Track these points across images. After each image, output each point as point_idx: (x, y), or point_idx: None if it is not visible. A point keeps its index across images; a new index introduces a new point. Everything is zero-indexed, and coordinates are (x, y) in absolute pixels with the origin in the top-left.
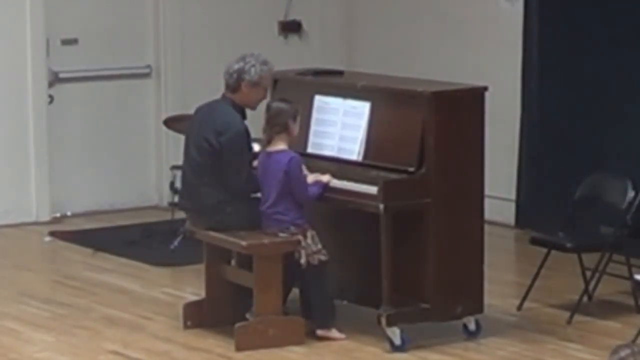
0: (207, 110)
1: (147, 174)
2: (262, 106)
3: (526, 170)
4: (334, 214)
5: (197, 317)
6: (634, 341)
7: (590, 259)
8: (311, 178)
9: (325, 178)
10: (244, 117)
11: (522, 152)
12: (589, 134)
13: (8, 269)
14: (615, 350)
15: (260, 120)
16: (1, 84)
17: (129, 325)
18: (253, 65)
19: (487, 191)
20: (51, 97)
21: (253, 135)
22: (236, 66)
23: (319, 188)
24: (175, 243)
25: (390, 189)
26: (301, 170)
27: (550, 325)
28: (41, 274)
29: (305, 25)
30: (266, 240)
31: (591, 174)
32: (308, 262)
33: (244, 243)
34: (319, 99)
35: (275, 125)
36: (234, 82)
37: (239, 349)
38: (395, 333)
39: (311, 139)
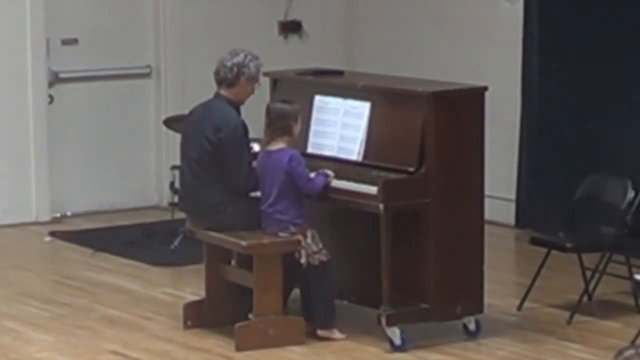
0: (203, 110)
1: (147, 174)
2: (262, 106)
3: (526, 170)
4: (334, 214)
5: (197, 317)
6: (633, 341)
7: (590, 259)
8: (313, 174)
9: (329, 172)
10: (238, 113)
11: (522, 152)
12: (588, 134)
13: (8, 269)
14: (620, 352)
15: (260, 120)
16: (1, 84)
17: (129, 325)
18: (251, 60)
19: (487, 191)
20: (51, 97)
21: (252, 134)
22: (235, 60)
23: (324, 177)
24: (175, 243)
25: (390, 189)
26: (302, 165)
27: (550, 325)
28: (41, 274)
29: (305, 25)
30: (266, 240)
31: (591, 174)
32: (308, 262)
33: (244, 243)
34: (319, 99)
35: (278, 128)
36: (234, 77)
37: (239, 349)
38: (395, 333)
39: (311, 139)
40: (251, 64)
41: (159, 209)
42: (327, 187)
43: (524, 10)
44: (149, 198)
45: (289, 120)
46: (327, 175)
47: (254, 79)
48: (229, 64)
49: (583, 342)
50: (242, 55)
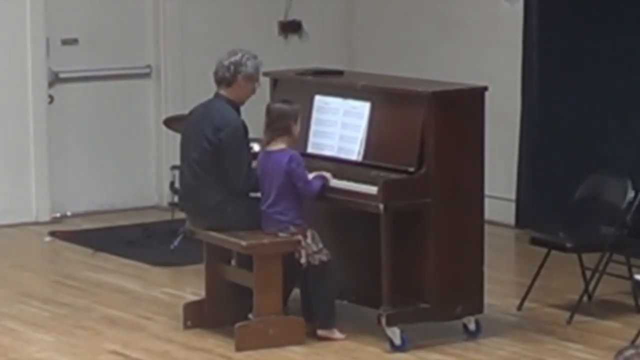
0: (203, 110)
1: (147, 174)
2: (262, 106)
3: (526, 170)
4: (334, 214)
5: (197, 317)
6: (633, 341)
7: (590, 259)
8: (311, 176)
9: (327, 174)
10: (238, 113)
11: (522, 152)
12: (589, 133)
13: (8, 269)
14: (620, 352)
15: (260, 120)
16: (1, 84)
17: (129, 325)
18: (249, 59)
19: (487, 191)
20: (51, 97)
21: (252, 134)
22: (232, 59)
23: (321, 181)
24: (175, 243)
25: (390, 189)
26: (302, 166)
27: (550, 325)
28: (41, 274)
29: (305, 25)
30: (266, 240)
31: (591, 174)
32: (308, 262)
33: (244, 243)
34: (319, 99)
35: (277, 128)
36: (231, 76)
37: (239, 349)
38: (395, 333)
39: (311, 139)
40: (248, 63)
41: (159, 209)
42: (324, 189)
43: (524, 10)
44: (149, 198)
45: (288, 120)
46: (325, 179)
47: (252, 78)
48: (226, 63)
49: (583, 342)
50: (239, 55)
